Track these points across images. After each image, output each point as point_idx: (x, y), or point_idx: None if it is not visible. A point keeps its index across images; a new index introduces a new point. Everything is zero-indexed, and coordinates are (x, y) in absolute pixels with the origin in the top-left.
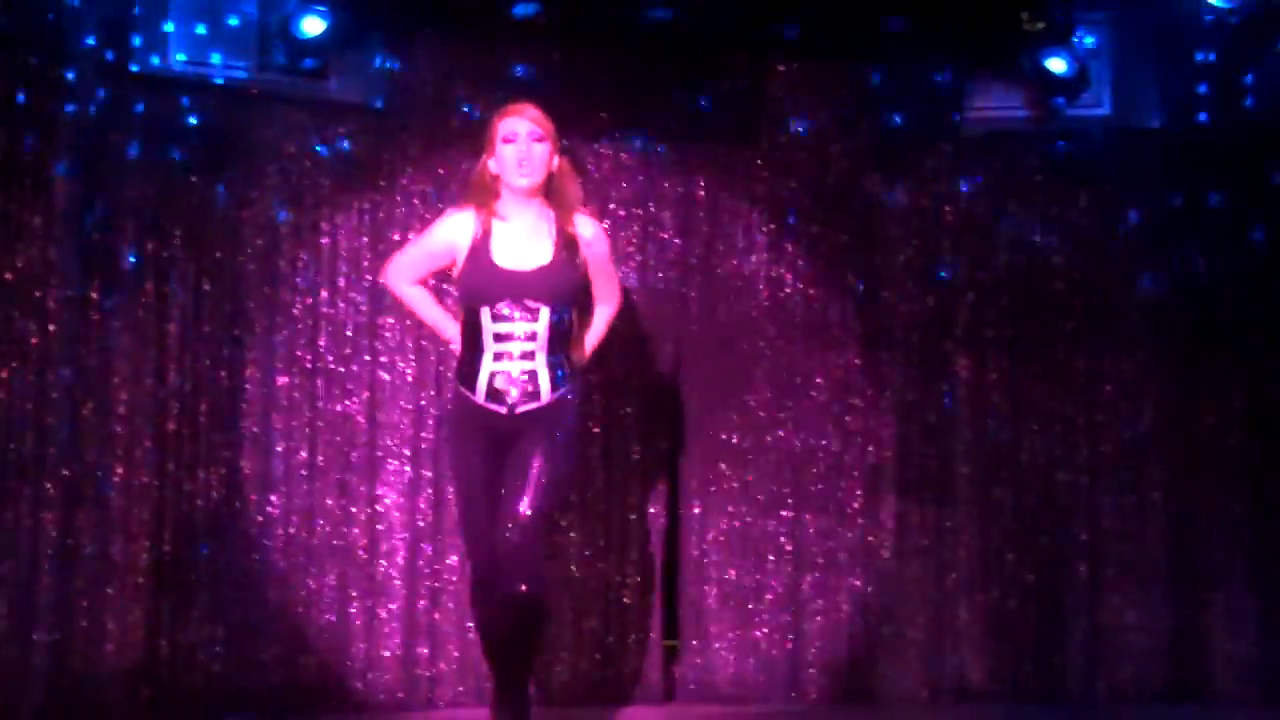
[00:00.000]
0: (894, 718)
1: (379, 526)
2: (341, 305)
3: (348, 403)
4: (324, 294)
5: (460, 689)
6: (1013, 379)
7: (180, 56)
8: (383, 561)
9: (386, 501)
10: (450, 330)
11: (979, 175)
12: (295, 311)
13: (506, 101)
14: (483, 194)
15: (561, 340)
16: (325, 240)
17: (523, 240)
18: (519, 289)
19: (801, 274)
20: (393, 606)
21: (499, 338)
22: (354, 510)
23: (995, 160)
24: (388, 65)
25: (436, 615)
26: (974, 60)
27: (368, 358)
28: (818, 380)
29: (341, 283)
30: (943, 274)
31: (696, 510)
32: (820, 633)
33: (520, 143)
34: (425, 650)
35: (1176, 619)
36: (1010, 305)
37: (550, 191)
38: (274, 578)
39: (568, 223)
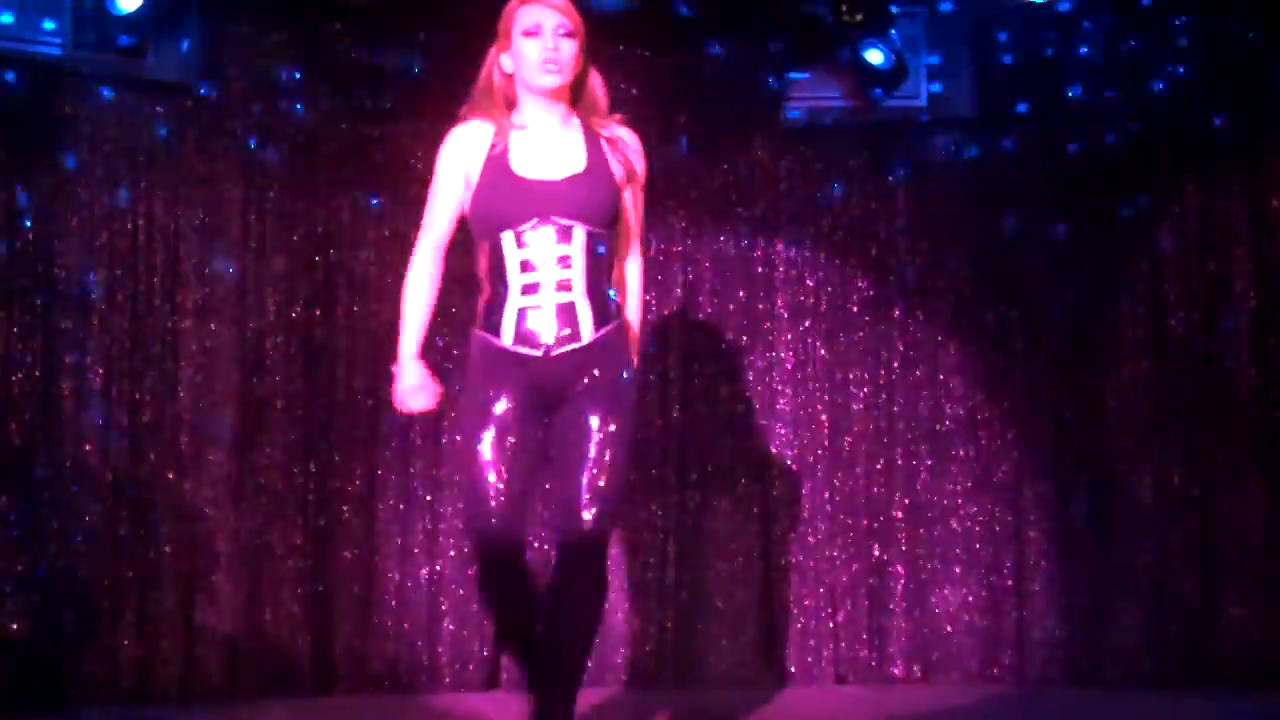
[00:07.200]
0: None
1: None
2: (156, 287)
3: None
4: (141, 278)
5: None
6: None
7: None
8: None
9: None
10: (408, 348)
11: (798, 164)
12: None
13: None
14: (492, 99)
15: (602, 270)
16: (142, 222)
17: (547, 147)
18: (546, 203)
19: None
20: None
21: (526, 266)
22: None
23: (814, 150)
24: (205, 44)
25: None
26: (794, 50)
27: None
28: None
29: (156, 266)
30: (760, 269)
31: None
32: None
33: (545, 37)
34: None
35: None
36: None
37: (576, 97)
38: None
39: (602, 126)
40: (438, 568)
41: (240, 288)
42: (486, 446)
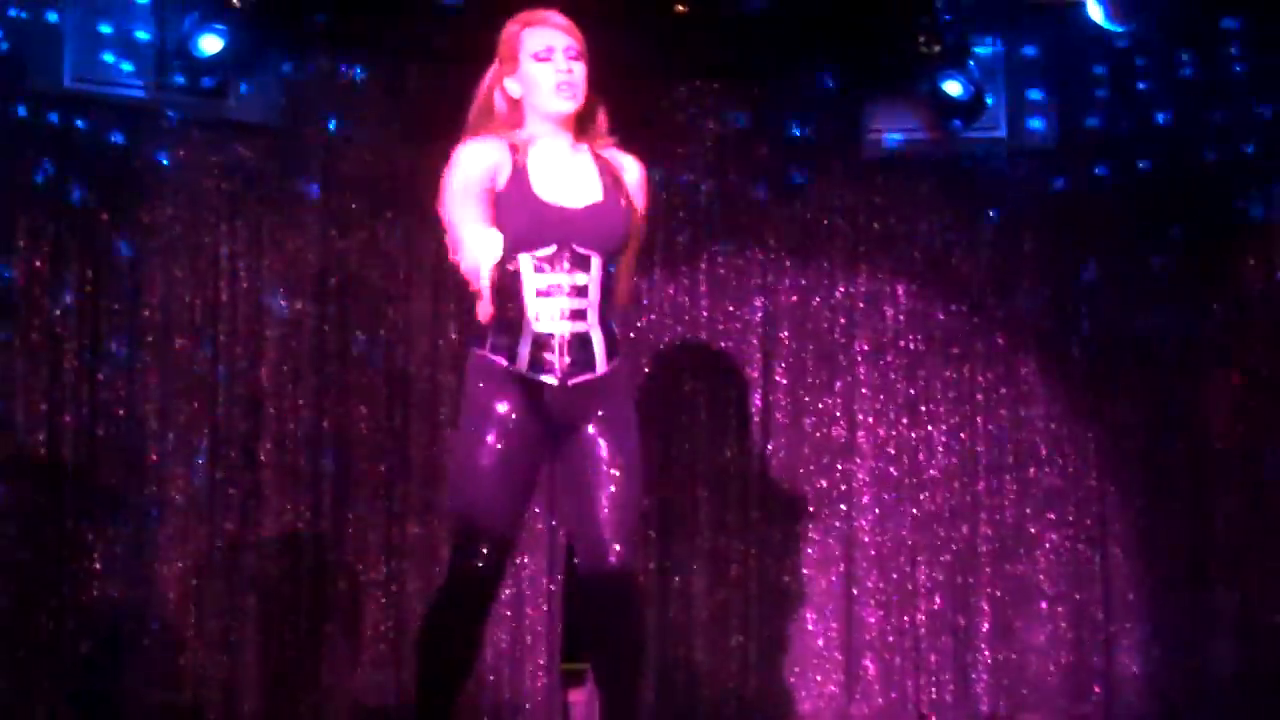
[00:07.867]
0: None
1: None
2: (239, 326)
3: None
4: (223, 315)
5: None
6: None
7: (77, 74)
8: None
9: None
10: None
11: (877, 195)
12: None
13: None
14: (493, 121)
15: (610, 302)
16: (224, 261)
17: (564, 173)
18: (567, 231)
19: (701, 295)
20: None
21: (544, 293)
22: None
23: (894, 181)
24: (285, 84)
25: None
26: (873, 83)
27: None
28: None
29: (239, 304)
30: (841, 301)
31: None
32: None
33: (557, 60)
34: None
35: None
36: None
37: (582, 122)
38: None
39: (605, 150)
40: (526, 614)
41: (320, 324)
42: (495, 471)
